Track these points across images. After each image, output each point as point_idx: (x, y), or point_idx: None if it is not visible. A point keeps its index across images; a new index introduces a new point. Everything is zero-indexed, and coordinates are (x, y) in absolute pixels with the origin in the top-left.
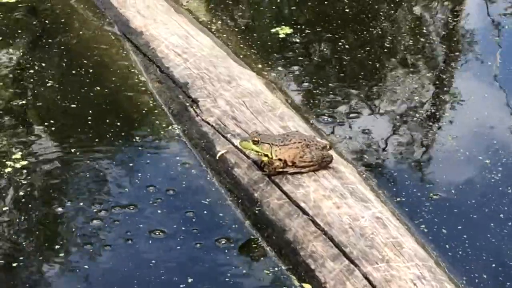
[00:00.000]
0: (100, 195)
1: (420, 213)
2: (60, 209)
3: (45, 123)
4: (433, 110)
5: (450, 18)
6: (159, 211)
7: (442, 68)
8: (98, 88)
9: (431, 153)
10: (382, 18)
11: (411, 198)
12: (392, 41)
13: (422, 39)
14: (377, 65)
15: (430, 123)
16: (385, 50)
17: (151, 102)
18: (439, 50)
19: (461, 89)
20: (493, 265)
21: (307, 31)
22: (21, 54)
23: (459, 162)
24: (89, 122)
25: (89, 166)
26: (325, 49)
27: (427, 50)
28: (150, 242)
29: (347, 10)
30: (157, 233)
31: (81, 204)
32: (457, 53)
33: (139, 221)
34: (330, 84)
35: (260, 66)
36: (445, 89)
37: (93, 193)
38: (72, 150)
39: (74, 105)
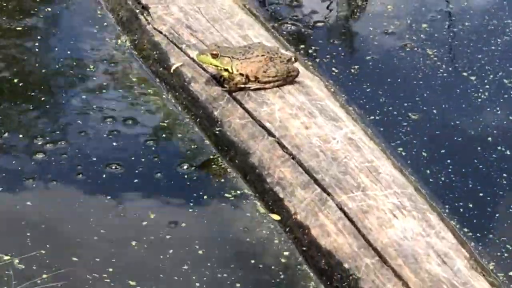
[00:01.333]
0: (47, 127)
1: (397, 134)
2: None
3: None
4: (412, 23)
5: None
6: (114, 143)
7: None
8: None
9: (410, 68)
10: None
11: (387, 117)
12: None
13: None
14: None
15: (408, 35)
16: None
17: (98, 11)
18: None
19: None
20: (480, 194)
21: None
22: None
23: (440, 78)
24: (36, 47)
25: (34, 95)
26: None
27: None
28: (104, 176)
29: None
30: (113, 167)
31: (22, 136)
32: None
33: (91, 154)
34: None
35: None
36: None
37: (38, 124)
38: (15, 80)
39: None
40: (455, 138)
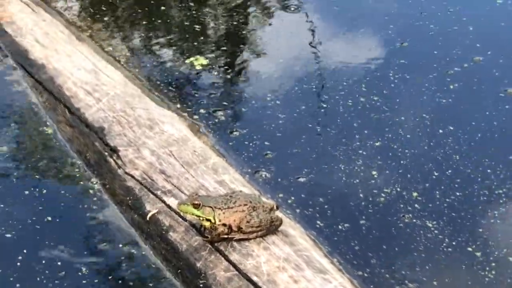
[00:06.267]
0: None
1: None
2: None
3: None
4: (402, 191)
5: None
6: None
7: None
8: None
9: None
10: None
11: (374, 273)
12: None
13: None
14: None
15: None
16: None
17: (63, 151)
18: None
19: None
20: None
21: (225, 59)
22: None
23: (445, 255)
24: None
25: None
26: (248, 83)
27: None
28: None
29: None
30: None
31: None
32: None
33: None
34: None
35: (178, 106)
36: None
37: None
38: None
39: None
40: None
